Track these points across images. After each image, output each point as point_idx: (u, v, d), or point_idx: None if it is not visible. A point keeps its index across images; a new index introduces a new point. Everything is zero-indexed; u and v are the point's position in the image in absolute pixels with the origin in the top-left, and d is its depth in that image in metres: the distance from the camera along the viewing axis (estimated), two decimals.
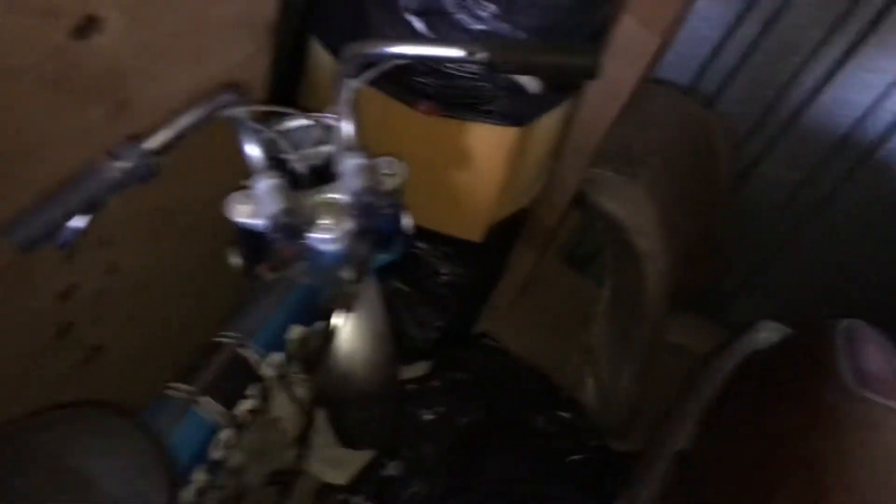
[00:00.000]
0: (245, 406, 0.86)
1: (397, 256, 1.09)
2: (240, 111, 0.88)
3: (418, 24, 1.20)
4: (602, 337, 1.48)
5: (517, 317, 1.75)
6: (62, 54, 0.90)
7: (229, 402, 0.85)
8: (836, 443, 0.86)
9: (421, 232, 1.39)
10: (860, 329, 1.06)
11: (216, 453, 0.84)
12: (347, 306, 1.00)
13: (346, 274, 0.96)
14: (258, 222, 0.89)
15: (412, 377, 1.47)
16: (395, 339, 1.19)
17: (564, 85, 1.32)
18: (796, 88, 1.59)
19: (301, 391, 1.05)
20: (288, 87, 1.41)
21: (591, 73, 0.88)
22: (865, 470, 0.82)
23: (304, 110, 0.98)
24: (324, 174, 0.96)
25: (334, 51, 1.31)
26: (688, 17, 1.60)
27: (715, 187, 1.62)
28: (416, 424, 1.37)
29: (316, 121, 0.95)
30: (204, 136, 0.87)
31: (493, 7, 1.16)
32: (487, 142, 1.27)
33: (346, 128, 0.92)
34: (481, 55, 0.87)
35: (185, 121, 0.83)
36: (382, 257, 1.08)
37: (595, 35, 1.36)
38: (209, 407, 0.83)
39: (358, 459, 1.40)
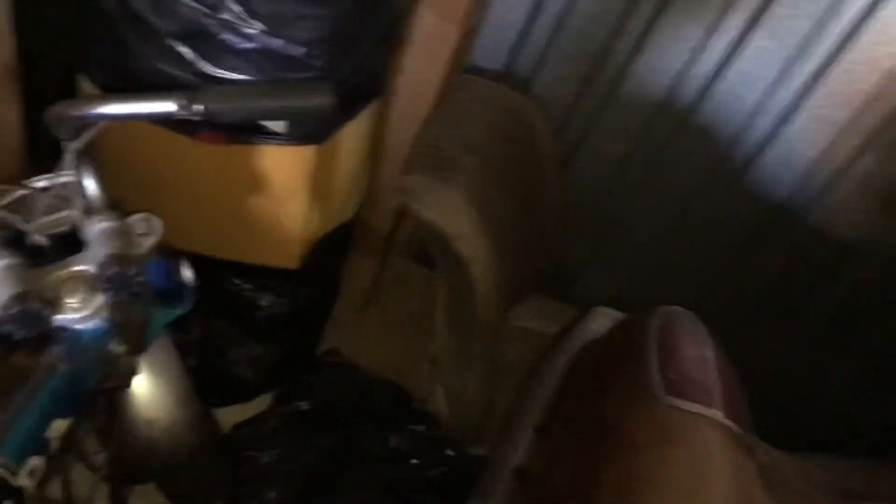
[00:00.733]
0: None
1: (186, 310, 0.98)
2: None
3: (184, 50, 1.08)
4: (444, 342, 1.41)
5: (365, 328, 1.67)
6: None
7: None
8: (643, 463, 0.82)
9: (233, 266, 1.29)
10: (674, 320, 1.03)
11: None
12: (125, 382, 0.89)
13: (117, 348, 0.85)
14: None
15: (248, 418, 1.37)
16: (221, 384, 1.09)
17: (356, 97, 1.24)
18: (609, 61, 1.55)
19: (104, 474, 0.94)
20: None
21: (325, 113, 0.79)
22: (672, 493, 0.78)
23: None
24: (74, 242, 0.84)
25: (105, 87, 1.18)
26: (492, 2, 1.53)
27: (540, 172, 1.56)
28: (256, 470, 1.27)
29: (51, 184, 0.83)
30: None
31: (259, 24, 1.05)
32: (284, 165, 1.17)
33: (87, 189, 0.81)
34: (197, 107, 0.77)
35: None
36: (169, 314, 0.97)
37: (385, 38, 1.27)
38: None
39: None
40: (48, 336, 0.79)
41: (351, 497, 1.29)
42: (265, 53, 1.07)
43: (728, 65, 1.48)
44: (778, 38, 1.43)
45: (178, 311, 0.97)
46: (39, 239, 0.82)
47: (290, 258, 1.26)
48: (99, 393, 0.86)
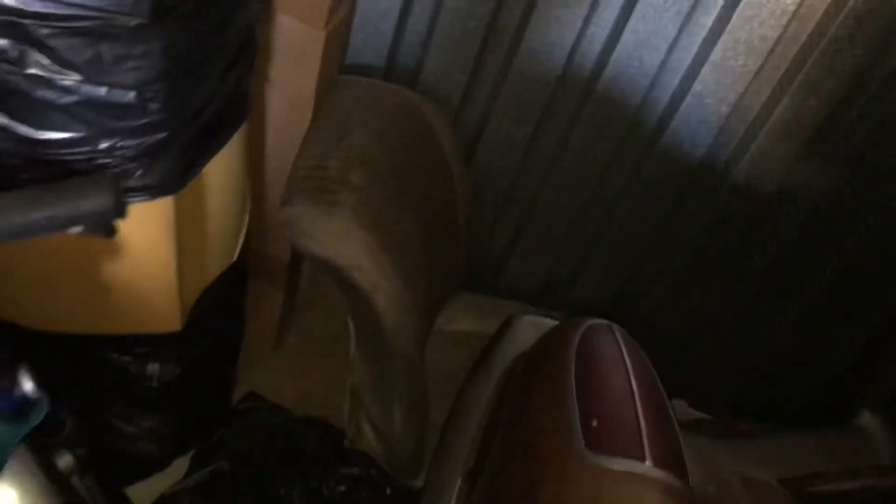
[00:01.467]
0: None
1: (38, 420, 0.84)
2: None
3: None
4: (362, 375, 1.29)
5: (284, 363, 1.53)
6: None
7: None
8: None
9: (112, 340, 1.14)
10: (595, 344, 0.92)
11: None
12: None
13: None
14: None
15: (160, 496, 1.23)
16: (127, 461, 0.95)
17: (216, 128, 1.08)
18: (496, 39, 1.41)
19: None
20: None
21: (109, 214, 0.64)
22: None
23: None
24: None
25: None
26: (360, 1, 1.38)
27: (444, 168, 1.43)
28: None
29: None
30: None
31: (75, 74, 0.89)
32: (140, 223, 1.02)
33: None
34: None
35: None
36: (16, 431, 0.83)
37: (239, 54, 1.11)
38: None
39: None
40: None
41: None
42: (90, 105, 0.91)
43: (622, 28, 1.36)
44: None
45: (28, 426, 0.83)
46: None
47: (170, 321, 1.11)
48: None
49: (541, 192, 1.60)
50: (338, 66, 1.37)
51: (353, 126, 1.26)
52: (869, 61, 1.32)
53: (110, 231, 0.68)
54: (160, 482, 1.30)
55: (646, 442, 0.82)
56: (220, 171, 1.14)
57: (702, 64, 1.38)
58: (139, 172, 0.99)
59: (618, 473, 0.77)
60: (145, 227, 1.02)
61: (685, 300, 1.70)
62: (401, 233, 1.22)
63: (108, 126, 0.94)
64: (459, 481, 1.05)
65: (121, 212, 0.65)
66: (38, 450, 0.91)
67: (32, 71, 0.89)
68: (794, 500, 1.17)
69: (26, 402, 0.80)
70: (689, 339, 1.76)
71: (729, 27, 1.32)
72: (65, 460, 0.99)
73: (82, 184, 0.66)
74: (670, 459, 0.83)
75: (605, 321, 1.04)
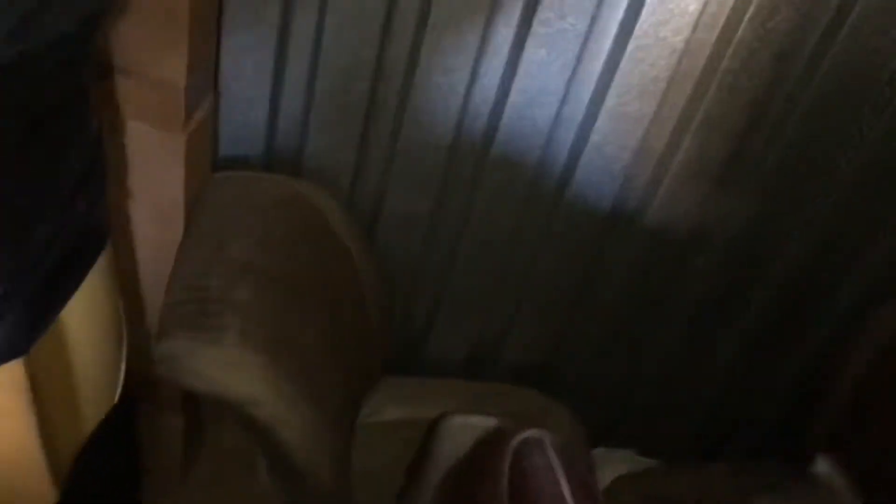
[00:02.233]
0: None
1: None
2: None
3: None
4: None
5: (195, 494, 1.38)
6: None
7: None
8: None
9: None
10: (528, 470, 0.81)
11: None
12: None
13: None
14: None
15: None
16: None
17: (67, 270, 0.94)
18: (379, 113, 1.31)
19: None
20: None
21: None
22: None
23: None
24: None
25: None
26: (225, 83, 1.26)
27: (344, 257, 1.31)
28: None
29: None
30: None
31: None
32: None
33: None
34: None
35: None
36: None
37: (77, 191, 0.96)
38: None
39: None
40: None
41: None
42: None
43: (507, 89, 1.27)
44: (551, 44, 1.23)
45: None
46: None
47: (43, 496, 0.96)
48: None
49: (452, 263, 1.49)
50: (208, 165, 1.24)
51: (232, 233, 1.13)
52: (765, 90, 1.26)
53: (24, 342, 0.54)
54: None
55: None
56: (81, 314, 1.00)
57: (596, 113, 1.29)
58: None
59: None
60: None
61: (619, 348, 1.62)
62: (302, 346, 1.09)
63: None
64: None
65: None
66: None
67: None
68: None
69: None
70: (629, 387, 1.68)
71: (619, 72, 1.25)
72: None
73: None
74: None
75: (536, 433, 0.93)
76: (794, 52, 1.23)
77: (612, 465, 1.74)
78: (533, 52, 1.23)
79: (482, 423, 1.09)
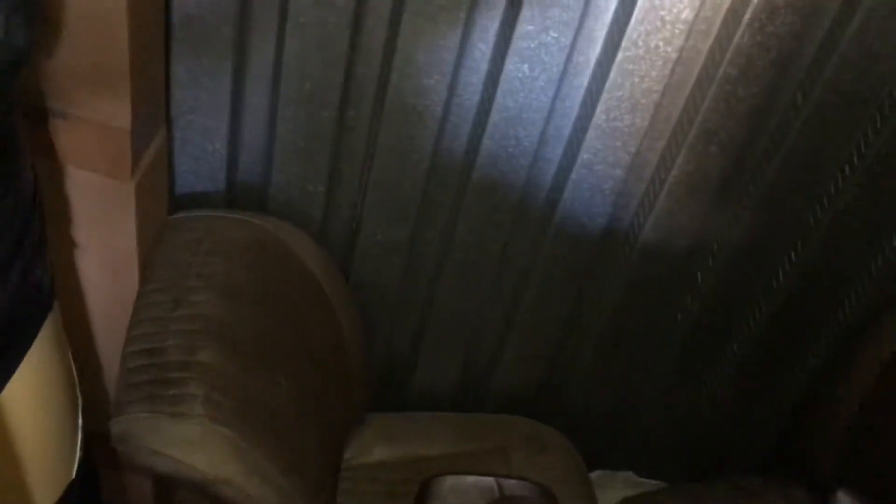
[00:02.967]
0: None
1: None
2: None
3: None
4: None
5: None
6: None
7: None
8: None
9: None
10: None
11: None
12: None
13: None
14: None
15: None
16: None
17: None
18: (349, 139, 1.20)
19: None
20: None
21: None
22: None
23: None
24: None
25: None
26: (178, 118, 1.14)
27: (317, 297, 1.20)
28: None
29: None
30: None
31: None
32: None
33: None
34: None
35: None
36: None
37: (12, 259, 0.85)
38: None
39: None
40: None
41: None
42: None
43: (488, 108, 1.16)
44: (533, 59, 1.12)
45: None
46: None
47: None
48: None
49: (434, 292, 1.39)
50: (164, 209, 1.13)
51: (191, 285, 1.02)
52: (765, 98, 1.17)
53: None
54: None
55: None
56: (25, 391, 0.89)
57: (585, 130, 1.19)
58: None
59: None
60: None
61: (613, 371, 1.52)
62: (275, 409, 0.99)
63: None
64: None
65: None
66: None
67: None
68: None
69: None
70: (625, 409, 1.59)
71: (608, 86, 1.15)
72: None
73: None
74: None
75: None
76: (795, 58, 1.13)
77: (614, 488, 1.65)
78: (514, 67, 1.13)
79: (477, 484, 0.99)
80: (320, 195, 1.24)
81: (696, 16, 1.08)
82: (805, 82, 1.16)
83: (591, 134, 1.20)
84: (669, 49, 1.11)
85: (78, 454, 1.04)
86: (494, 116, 1.18)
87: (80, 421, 1.04)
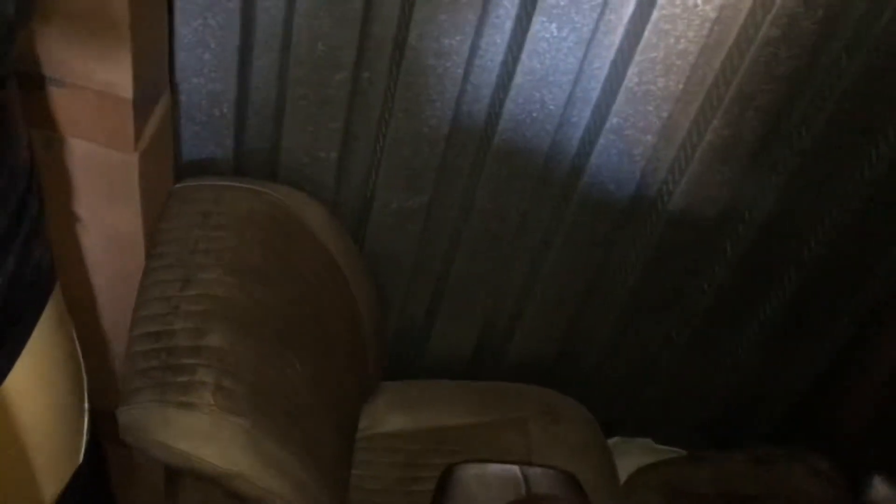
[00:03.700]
0: None
1: None
2: None
3: None
4: None
5: None
6: None
7: None
8: None
9: None
10: None
11: None
12: None
13: None
14: None
15: None
16: None
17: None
18: (363, 103, 1.13)
19: None
20: None
21: None
22: None
23: None
24: None
25: None
26: (184, 82, 1.07)
27: (330, 269, 1.15)
28: None
29: None
30: None
31: None
32: None
33: None
34: None
35: None
36: None
37: (20, 210, 0.80)
38: None
39: None
40: None
41: None
42: None
43: (512, 70, 1.09)
44: (562, 18, 1.04)
45: None
46: None
47: None
48: None
49: (451, 260, 1.34)
50: (169, 181, 1.07)
51: (199, 261, 0.97)
52: (808, 59, 1.09)
53: None
54: None
55: None
56: (28, 377, 0.84)
57: (615, 93, 1.12)
58: None
59: None
60: None
61: (634, 339, 1.48)
62: (288, 392, 0.94)
63: None
64: None
65: None
66: None
67: None
68: None
69: None
70: (644, 376, 1.54)
71: (641, 47, 1.07)
72: None
73: None
74: None
75: None
76: (842, 17, 1.05)
77: (632, 455, 1.62)
78: (541, 27, 1.05)
79: (501, 473, 0.95)
80: (333, 162, 1.18)
81: None
82: (851, 43, 1.08)
83: (621, 97, 1.12)
84: (708, 8, 1.03)
85: (85, 437, 0.99)
86: (518, 79, 1.10)
87: (86, 404, 0.99)
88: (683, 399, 1.57)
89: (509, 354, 1.49)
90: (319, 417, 1.01)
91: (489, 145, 1.18)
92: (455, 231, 1.29)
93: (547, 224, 1.29)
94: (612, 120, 1.15)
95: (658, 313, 1.43)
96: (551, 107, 1.13)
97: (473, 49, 1.07)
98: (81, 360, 0.99)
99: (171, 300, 0.93)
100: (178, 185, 1.08)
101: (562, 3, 1.03)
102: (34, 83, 0.87)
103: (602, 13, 1.04)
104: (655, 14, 1.04)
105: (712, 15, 1.04)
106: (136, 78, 0.87)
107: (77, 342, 0.98)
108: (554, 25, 1.05)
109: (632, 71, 1.09)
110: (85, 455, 0.99)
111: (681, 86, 1.11)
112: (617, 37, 1.07)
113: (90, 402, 1.01)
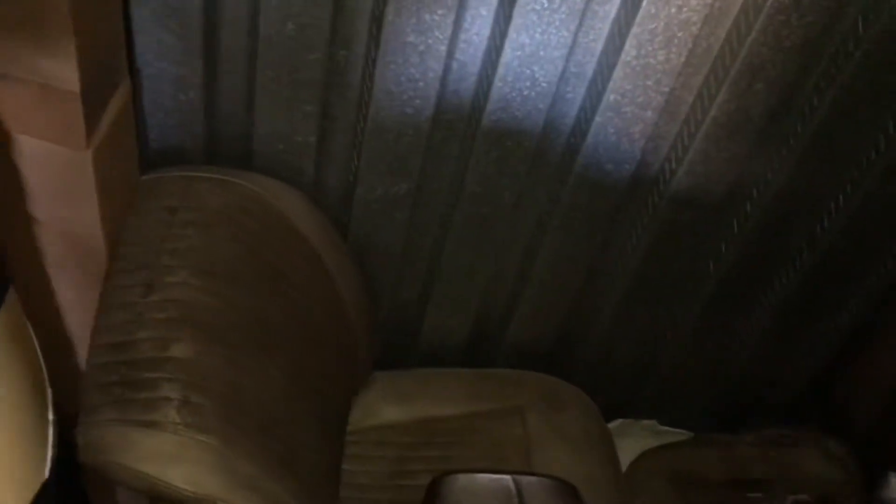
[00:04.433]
0: None
1: None
2: None
3: None
4: None
5: None
6: None
7: None
8: None
9: None
10: None
11: None
12: None
13: None
14: None
15: None
16: None
17: None
18: (340, 84, 1.05)
19: None
20: None
21: None
22: None
23: None
24: None
25: None
26: (146, 66, 0.99)
27: (311, 262, 1.08)
28: None
29: None
30: None
31: None
32: None
33: None
34: None
35: None
36: None
37: None
38: None
39: None
40: None
41: None
42: None
43: (500, 45, 1.00)
44: None
45: None
46: None
47: None
48: None
49: (442, 246, 1.26)
50: (133, 174, 0.99)
51: (165, 262, 0.89)
52: (820, 27, 1.00)
53: None
54: None
55: None
56: None
57: (612, 67, 1.04)
58: None
59: None
60: None
61: (637, 321, 1.41)
62: (265, 398, 0.87)
63: None
64: None
65: None
66: None
67: None
68: None
69: None
70: (648, 359, 1.48)
71: (639, 17, 0.98)
72: None
73: None
74: None
75: None
76: None
77: (636, 437, 1.56)
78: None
79: (491, 484, 0.88)
80: (311, 147, 1.10)
81: None
82: (869, 7, 0.99)
83: (618, 72, 1.04)
84: None
85: (50, 450, 0.94)
86: (507, 55, 1.02)
87: (50, 415, 0.93)
88: (689, 382, 1.51)
89: (506, 340, 1.42)
90: (301, 425, 0.95)
91: (478, 126, 1.10)
92: (445, 216, 1.22)
93: (542, 207, 1.22)
94: (610, 96, 1.06)
95: (662, 295, 1.36)
96: (543, 84, 1.05)
97: (457, 23, 0.99)
98: (44, 367, 0.93)
99: (134, 307, 0.86)
100: (143, 178, 1.00)
101: None
102: None
103: None
104: None
105: None
106: (84, 68, 0.79)
107: (38, 349, 0.92)
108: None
109: (629, 44, 1.01)
110: (52, 469, 0.93)
111: (683, 58, 1.02)
112: (613, 7, 0.98)
113: (60, 410, 0.96)
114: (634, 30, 1.00)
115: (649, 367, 1.49)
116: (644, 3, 0.97)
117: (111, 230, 0.92)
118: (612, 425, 1.52)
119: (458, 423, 1.31)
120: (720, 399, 1.53)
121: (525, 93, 1.06)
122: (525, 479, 0.87)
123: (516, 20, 0.98)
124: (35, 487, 0.90)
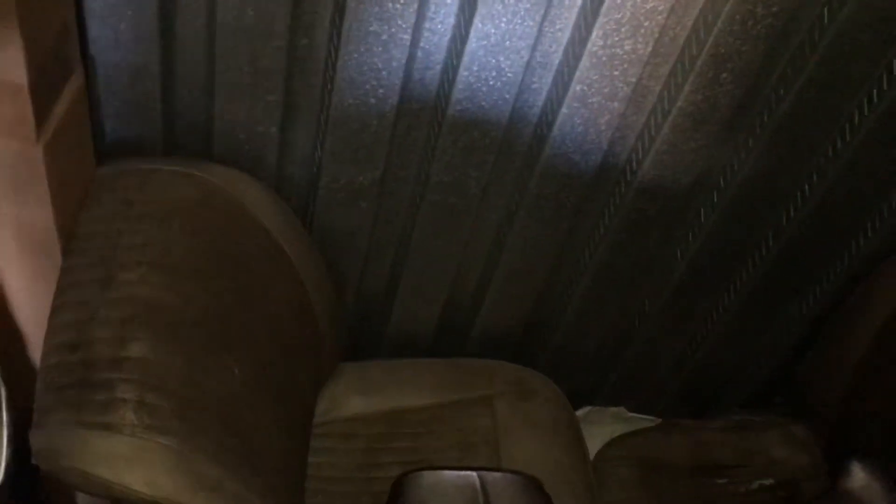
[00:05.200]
0: None
1: None
2: None
3: None
4: None
5: None
6: None
7: None
8: None
9: None
10: None
11: None
12: None
13: None
14: None
15: None
16: None
17: None
18: (302, 72, 1.02)
19: None
20: None
21: None
22: None
23: None
24: None
25: None
26: (100, 56, 0.96)
27: (273, 253, 1.06)
28: None
29: None
30: None
31: None
32: None
33: None
34: None
35: None
36: None
37: None
38: None
39: None
40: None
41: None
42: None
43: (465, 34, 0.98)
44: None
45: None
46: None
47: None
48: None
49: (409, 235, 1.25)
50: (88, 166, 0.96)
51: (121, 258, 0.87)
52: (787, 17, 1.00)
53: None
54: None
55: None
56: None
57: (578, 57, 1.02)
58: None
59: None
60: None
61: (605, 309, 1.40)
62: (225, 396, 0.86)
63: None
64: None
65: None
66: None
67: None
68: None
69: None
70: (616, 346, 1.48)
71: (605, 7, 0.97)
72: None
73: None
74: None
75: None
76: None
77: (604, 424, 1.57)
78: None
79: (457, 481, 0.88)
80: (273, 137, 1.08)
81: None
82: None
83: (584, 62, 1.03)
84: None
85: (4, 451, 0.91)
86: (472, 44, 1.00)
87: (4, 416, 0.91)
88: (657, 368, 1.51)
89: (475, 329, 1.41)
90: (264, 421, 0.93)
91: (444, 116, 1.08)
92: (412, 206, 1.20)
93: (509, 197, 1.20)
94: (576, 87, 1.05)
95: (630, 283, 1.36)
96: (509, 74, 1.03)
97: (421, 12, 0.97)
98: None
99: (90, 304, 0.84)
100: (99, 170, 0.97)
101: None
102: None
103: None
104: None
105: None
106: (32, 59, 0.77)
107: None
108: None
109: (596, 34, 0.99)
110: (6, 471, 0.91)
111: (649, 48, 1.01)
112: None
113: (14, 407, 0.93)
114: (601, 19, 0.98)
115: (617, 354, 1.49)
116: None
117: (65, 225, 0.89)
118: (580, 413, 1.52)
119: (427, 414, 1.31)
120: (689, 385, 1.54)
121: (491, 83, 1.04)
122: (490, 476, 0.87)
123: (481, 9, 0.96)
124: None
